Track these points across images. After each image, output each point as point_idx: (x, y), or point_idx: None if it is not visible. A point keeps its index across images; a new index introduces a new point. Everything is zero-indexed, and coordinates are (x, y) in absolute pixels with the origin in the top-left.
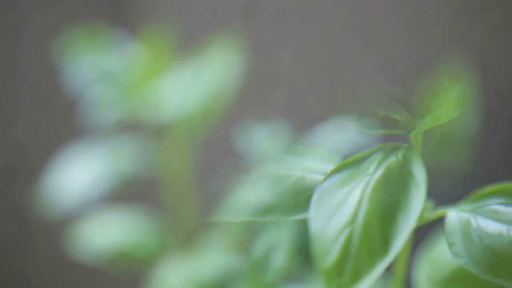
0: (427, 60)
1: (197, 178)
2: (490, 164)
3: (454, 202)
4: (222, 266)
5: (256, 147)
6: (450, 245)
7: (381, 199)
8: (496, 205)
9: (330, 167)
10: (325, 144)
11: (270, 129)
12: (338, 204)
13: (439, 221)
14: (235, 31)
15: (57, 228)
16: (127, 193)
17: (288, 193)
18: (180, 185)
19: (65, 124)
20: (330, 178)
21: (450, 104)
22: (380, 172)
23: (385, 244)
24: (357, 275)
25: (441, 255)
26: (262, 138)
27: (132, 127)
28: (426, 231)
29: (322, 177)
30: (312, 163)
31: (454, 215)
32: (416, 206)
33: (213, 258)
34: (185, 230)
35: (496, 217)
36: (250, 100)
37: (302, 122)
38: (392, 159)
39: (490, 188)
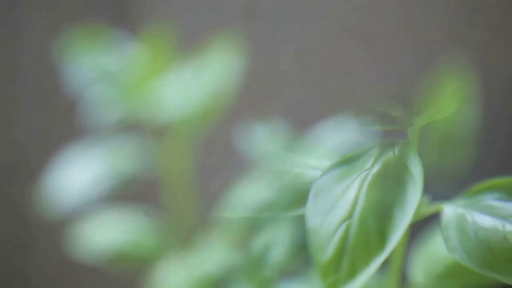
0: (427, 60)
1: (197, 178)
2: (490, 163)
3: (450, 198)
4: (222, 264)
5: (256, 147)
6: (446, 240)
7: (378, 194)
8: (491, 200)
9: (329, 163)
10: (325, 143)
11: (270, 129)
12: (335, 200)
13: (435, 217)
14: (235, 31)
15: (57, 228)
16: (127, 193)
17: (287, 189)
18: (180, 185)
19: (65, 124)
20: (327, 174)
21: (447, 100)
22: (377, 168)
23: (381, 239)
24: (354, 270)
25: (436, 250)
26: (262, 138)
27: (132, 127)
28: (422, 226)
29: (320, 173)
30: (312, 160)
31: (449, 210)
32: (413, 201)
33: (213, 257)
34: (185, 230)
35: (491, 212)
36: (250, 100)
37: (302, 122)
38: (389, 155)
39: (485, 184)
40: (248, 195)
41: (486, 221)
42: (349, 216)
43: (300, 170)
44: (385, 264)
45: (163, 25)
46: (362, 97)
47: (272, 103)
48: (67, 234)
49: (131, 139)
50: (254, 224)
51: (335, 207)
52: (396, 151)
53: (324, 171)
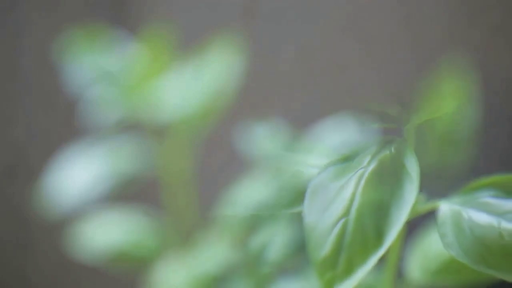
0: (427, 60)
1: (197, 178)
2: (490, 163)
3: (446, 196)
4: (222, 263)
5: (256, 147)
6: (442, 236)
7: (375, 191)
8: (487, 198)
9: (326, 161)
10: (325, 142)
11: (270, 128)
12: (332, 197)
13: (431, 214)
14: (235, 31)
15: (57, 228)
16: (127, 193)
17: (287, 187)
18: (180, 185)
19: (65, 124)
20: (324, 172)
21: (445, 99)
22: (373, 165)
23: (378, 235)
24: (351, 267)
25: (433, 247)
26: (262, 138)
27: (132, 127)
28: (418, 223)
29: (318, 171)
30: (311, 158)
31: (446, 208)
32: (409, 198)
33: (213, 256)
34: (185, 230)
35: (487, 209)
36: (250, 100)
37: (302, 122)
38: (386, 153)
39: (481, 181)
40: (248, 194)
41: (482, 218)
42: (346, 213)
43: (299, 168)
44: (382, 260)
45: (163, 25)
46: (362, 97)
47: (272, 103)
48: (67, 234)
49: (131, 139)
50: (254, 223)
51: (332, 205)
52: (393, 149)
53: (321, 169)
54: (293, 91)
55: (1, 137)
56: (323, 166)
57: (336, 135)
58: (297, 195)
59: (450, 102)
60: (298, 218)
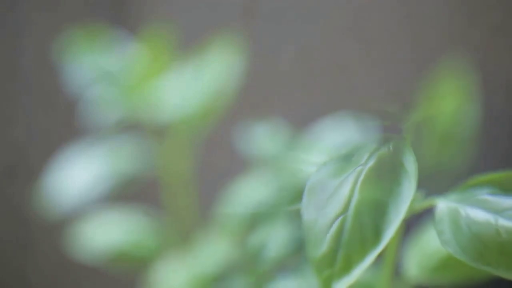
0: (427, 60)
1: (197, 178)
2: (491, 163)
3: (444, 193)
4: (222, 263)
5: (256, 147)
6: (439, 234)
7: (373, 189)
8: (484, 195)
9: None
10: (324, 140)
11: (270, 128)
12: (330, 195)
13: (429, 211)
14: (235, 31)
15: (57, 228)
16: (127, 193)
17: (286, 186)
18: (180, 185)
19: (65, 124)
20: (322, 169)
21: (444, 98)
22: (371, 163)
23: (376, 233)
24: (349, 265)
25: (430, 244)
26: (262, 138)
27: (132, 127)
28: (416, 221)
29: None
30: (311, 157)
31: (443, 205)
32: (407, 196)
33: (213, 256)
34: (185, 230)
35: (484, 206)
36: (250, 100)
37: (302, 122)
38: (384, 150)
39: (478, 179)
40: (248, 193)
41: (479, 215)
42: (344, 210)
43: (299, 167)
44: (380, 258)
45: (163, 25)
46: (362, 97)
47: (272, 103)
48: (67, 234)
49: (131, 139)
50: (253, 222)
51: (330, 202)
52: (391, 147)
53: (320, 166)
54: (293, 91)
55: (1, 137)
56: (322, 163)
57: (336, 134)
58: (297, 194)
59: (450, 101)
60: (298, 217)
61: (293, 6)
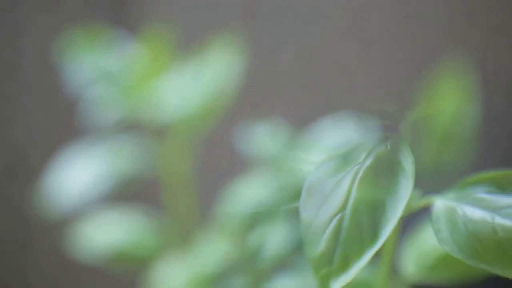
0: (427, 60)
1: (197, 178)
2: (490, 163)
3: (441, 192)
4: (222, 263)
5: (256, 147)
6: (436, 232)
7: (370, 187)
8: (481, 193)
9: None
10: (324, 140)
11: (270, 128)
12: (328, 193)
13: (426, 209)
14: (235, 31)
15: (57, 228)
16: (127, 193)
17: (286, 185)
18: (180, 185)
19: (65, 124)
20: (320, 168)
21: (444, 98)
22: (369, 161)
23: (373, 231)
24: (346, 263)
25: (427, 242)
26: (262, 138)
27: (132, 127)
28: (413, 219)
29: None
30: (311, 156)
31: (440, 203)
32: (404, 194)
33: (213, 256)
34: (185, 230)
35: (481, 204)
36: (250, 100)
37: (302, 122)
38: (381, 149)
39: (475, 177)
40: (248, 193)
41: (476, 213)
42: (342, 209)
43: (299, 167)
44: (377, 256)
45: (163, 25)
46: (362, 97)
47: (272, 103)
48: (67, 234)
49: (131, 139)
50: (253, 222)
51: (328, 201)
52: (389, 146)
53: (318, 165)
54: (293, 91)
55: (1, 137)
56: (320, 162)
57: (336, 134)
58: (296, 193)
59: (450, 101)
60: (297, 216)
61: (293, 6)
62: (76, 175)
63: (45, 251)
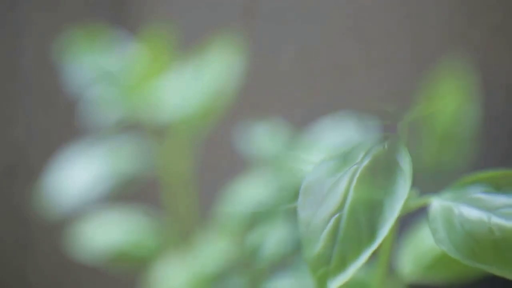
0: (427, 60)
1: (197, 178)
2: (490, 163)
3: (438, 191)
4: (221, 263)
5: (256, 147)
6: (433, 232)
7: (368, 187)
8: (478, 193)
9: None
10: (324, 140)
11: (270, 128)
12: (326, 193)
13: (423, 210)
14: (235, 31)
15: (57, 228)
16: (127, 193)
17: (285, 185)
18: (180, 185)
19: (65, 124)
20: (318, 168)
21: (443, 98)
22: (367, 161)
23: (371, 231)
24: (343, 263)
25: (424, 242)
26: (262, 138)
27: (132, 127)
28: (410, 219)
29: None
30: (310, 156)
31: (437, 203)
32: (402, 194)
33: (213, 256)
34: (185, 230)
35: (477, 204)
36: (250, 100)
37: (302, 122)
38: (379, 149)
39: (472, 177)
40: (248, 193)
41: (472, 213)
42: (339, 209)
43: (299, 167)
44: (374, 255)
45: (163, 25)
46: (362, 97)
47: (272, 103)
48: (67, 234)
49: (131, 139)
50: (253, 222)
51: (325, 201)
52: (386, 145)
53: (316, 165)
54: (293, 91)
55: (1, 137)
56: (318, 162)
57: (335, 134)
58: (296, 193)
59: (450, 101)
60: (296, 216)
61: (293, 6)
62: (76, 175)
63: (45, 251)
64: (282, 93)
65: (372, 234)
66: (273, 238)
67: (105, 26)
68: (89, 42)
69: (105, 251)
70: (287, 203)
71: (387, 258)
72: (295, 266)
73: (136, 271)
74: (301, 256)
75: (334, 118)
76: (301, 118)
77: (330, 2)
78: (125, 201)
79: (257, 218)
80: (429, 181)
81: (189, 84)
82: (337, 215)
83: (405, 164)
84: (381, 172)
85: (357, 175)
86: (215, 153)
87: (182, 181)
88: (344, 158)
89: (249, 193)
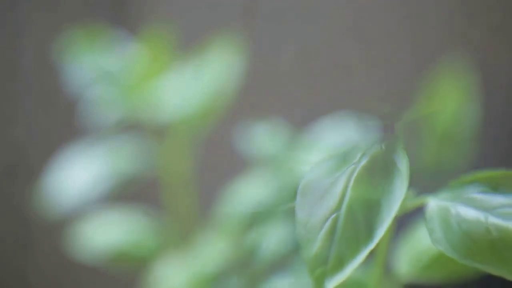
0: (427, 60)
1: (197, 178)
2: (490, 163)
3: (435, 191)
4: (221, 263)
5: (256, 147)
6: (430, 232)
7: (365, 187)
8: (475, 193)
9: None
10: (324, 140)
11: (270, 128)
12: (324, 193)
13: (420, 210)
14: (235, 31)
15: (57, 228)
16: (127, 193)
17: (285, 185)
18: (180, 185)
19: (65, 124)
20: (316, 168)
21: (443, 98)
22: (364, 162)
23: (368, 230)
24: (341, 262)
25: (421, 242)
26: (262, 138)
27: (132, 127)
28: (407, 219)
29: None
30: (310, 156)
31: (434, 203)
32: (399, 194)
33: (212, 256)
34: (185, 230)
35: (474, 204)
36: (250, 100)
37: (302, 122)
38: (377, 149)
39: (469, 177)
40: (248, 193)
41: (469, 213)
42: (337, 209)
43: (299, 167)
44: (371, 255)
45: (163, 25)
46: (361, 97)
47: (272, 103)
48: (67, 234)
49: (131, 139)
50: (253, 222)
51: (323, 200)
52: (384, 146)
53: (313, 165)
54: (293, 91)
55: (1, 137)
56: (316, 162)
57: (335, 134)
58: (295, 193)
59: (450, 101)
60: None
61: (293, 6)
62: (76, 175)
63: (45, 251)
64: (282, 93)
65: (369, 234)
66: (273, 238)
67: (105, 26)
68: (89, 42)
69: (105, 251)
70: (286, 203)
71: (384, 258)
72: (294, 266)
73: (136, 271)
74: (300, 256)
75: (334, 118)
76: (301, 118)
77: (330, 2)
78: (125, 201)
79: (256, 218)
80: (429, 181)
81: (189, 84)
82: (334, 215)
83: (403, 165)
84: (379, 172)
85: (355, 175)
86: (215, 153)
87: (182, 181)
88: (342, 158)
89: (248, 193)
